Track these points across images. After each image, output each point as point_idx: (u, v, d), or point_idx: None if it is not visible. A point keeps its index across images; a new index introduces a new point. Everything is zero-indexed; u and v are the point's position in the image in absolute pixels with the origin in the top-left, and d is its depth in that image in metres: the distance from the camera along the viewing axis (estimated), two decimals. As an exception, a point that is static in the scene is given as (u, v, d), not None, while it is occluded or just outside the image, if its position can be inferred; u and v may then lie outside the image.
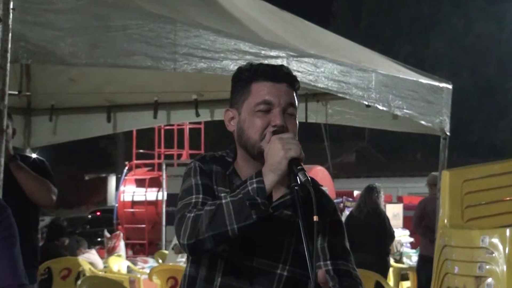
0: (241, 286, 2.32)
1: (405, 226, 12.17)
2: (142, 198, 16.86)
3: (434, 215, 8.10)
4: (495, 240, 3.77)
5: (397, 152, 36.79)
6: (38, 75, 7.24)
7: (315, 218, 2.09)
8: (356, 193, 14.06)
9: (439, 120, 6.51)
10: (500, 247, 3.73)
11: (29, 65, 6.96)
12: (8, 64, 3.60)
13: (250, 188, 2.18)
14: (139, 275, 9.59)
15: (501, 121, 33.79)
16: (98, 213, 26.75)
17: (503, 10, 33.11)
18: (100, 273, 9.36)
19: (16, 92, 6.91)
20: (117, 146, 32.57)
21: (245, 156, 2.39)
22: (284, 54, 4.96)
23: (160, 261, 10.54)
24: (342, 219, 2.52)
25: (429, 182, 9.43)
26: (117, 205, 17.85)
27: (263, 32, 5.17)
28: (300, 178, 2.15)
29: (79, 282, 7.26)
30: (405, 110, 6.14)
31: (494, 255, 3.75)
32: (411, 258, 10.63)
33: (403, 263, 10.88)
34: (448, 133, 6.63)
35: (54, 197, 4.71)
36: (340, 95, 5.65)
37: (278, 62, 4.63)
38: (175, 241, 9.78)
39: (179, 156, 17.84)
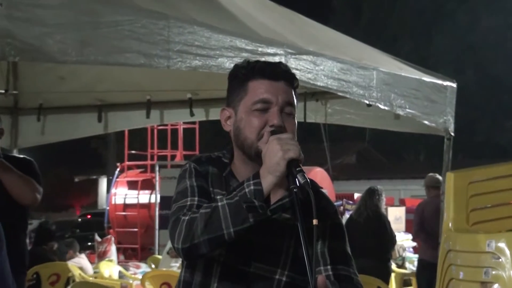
0: (238, 292, 2.32)
1: (408, 230, 12.18)
2: (134, 201, 16.85)
3: (433, 219, 8.10)
4: (502, 245, 3.78)
5: (399, 153, 36.85)
6: (25, 73, 7.24)
7: (315, 221, 2.09)
8: (356, 195, 14.09)
9: (443, 120, 6.50)
10: (507, 251, 3.74)
11: (16, 63, 6.95)
12: (-5, 62, 3.60)
13: (247, 190, 2.18)
14: (131, 281, 9.59)
15: (507, 121, 33.87)
16: (89, 217, 26.75)
17: (510, 5, 33.12)
18: (91, 278, 9.36)
19: (3, 91, 6.91)
20: (108, 146, 32.58)
21: (242, 157, 2.39)
22: (282, 51, 4.96)
23: (153, 266, 10.55)
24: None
25: (426, 184, 9.41)
26: (108, 208, 17.85)
27: (260, 28, 5.17)
28: (299, 180, 2.14)
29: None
30: (407, 110, 6.13)
31: (500, 260, 3.76)
32: (414, 263, 10.62)
33: (405, 268, 10.89)
34: (452, 134, 6.63)
35: (39, 196, 4.72)
36: (340, 94, 5.65)
37: (276, 59, 4.62)
38: (169, 245, 9.79)
39: (173, 157, 17.84)
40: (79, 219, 27.05)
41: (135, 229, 16.47)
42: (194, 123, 16.87)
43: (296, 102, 2.41)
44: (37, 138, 8.08)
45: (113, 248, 11.81)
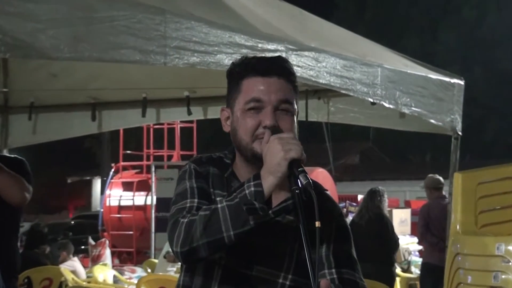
0: (240, 296, 2.32)
1: (413, 232, 12.19)
2: (129, 203, 16.86)
3: (440, 221, 8.11)
4: None
5: (404, 153, 36.85)
6: (16, 70, 7.23)
7: (317, 223, 2.08)
8: (360, 197, 14.08)
9: (450, 119, 6.51)
10: (517, 255, 3.74)
11: (6, 60, 6.95)
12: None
13: (247, 191, 2.17)
14: (126, 286, 9.59)
15: (516, 120, 33.85)
16: (82, 219, 26.72)
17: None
18: (84, 283, 9.36)
19: (-7, 89, 6.91)
20: (102, 146, 32.59)
21: (243, 158, 2.40)
22: (282, 48, 4.96)
23: (149, 270, 10.55)
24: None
25: (427, 185, 9.39)
26: (102, 210, 17.85)
27: (260, 23, 5.17)
28: (301, 181, 2.13)
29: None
30: (413, 108, 6.14)
31: (510, 264, 3.76)
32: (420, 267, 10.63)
33: (411, 272, 10.90)
34: (459, 133, 6.64)
35: (28, 195, 4.72)
36: (343, 91, 5.65)
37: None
38: (166, 248, 9.80)
39: (170, 157, 17.85)
40: (72, 222, 27.02)
41: (130, 232, 16.48)
42: (191, 122, 16.88)
43: (296, 98, 2.39)
44: (28, 138, 8.08)
45: (107, 252, 11.82)
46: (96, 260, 11.43)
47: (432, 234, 8.85)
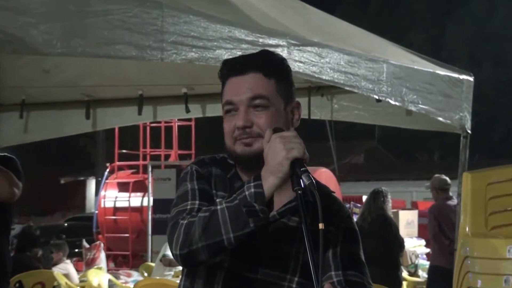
0: (244, 301, 2.31)
1: (420, 235, 12.18)
2: (125, 204, 16.86)
3: (450, 222, 8.10)
4: (523, 251, 3.78)
5: (411, 152, 36.85)
6: (7, 66, 7.21)
7: (321, 225, 2.08)
8: (365, 198, 14.07)
9: (458, 117, 6.50)
10: (528, 258, 3.74)
11: (-3, 55, 6.95)
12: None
13: (247, 193, 2.17)
14: (121, 291, 9.59)
15: (527, 118, 33.86)
16: (76, 221, 26.73)
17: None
18: (78, 287, 9.37)
19: (-17, 86, 6.90)
20: (97, 145, 32.59)
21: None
22: (284, 43, 4.95)
23: (146, 274, 10.56)
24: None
25: (433, 186, 9.38)
26: (97, 212, 17.85)
27: (261, 17, 5.17)
28: (303, 181, 2.13)
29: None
30: (420, 105, 6.13)
31: (521, 267, 3.76)
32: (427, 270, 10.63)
33: (418, 276, 10.89)
34: (469, 131, 6.63)
35: (17, 191, 4.74)
36: (347, 88, 5.64)
37: (278, 51, 4.61)
38: (162, 252, 9.80)
39: (167, 157, 17.86)
40: (65, 224, 27.03)
41: (126, 235, 16.48)
42: (189, 120, 16.89)
43: (284, 88, 2.37)
44: (20, 137, 8.08)
45: (102, 255, 11.82)
46: (90, 263, 11.43)
47: (445, 235, 8.82)
